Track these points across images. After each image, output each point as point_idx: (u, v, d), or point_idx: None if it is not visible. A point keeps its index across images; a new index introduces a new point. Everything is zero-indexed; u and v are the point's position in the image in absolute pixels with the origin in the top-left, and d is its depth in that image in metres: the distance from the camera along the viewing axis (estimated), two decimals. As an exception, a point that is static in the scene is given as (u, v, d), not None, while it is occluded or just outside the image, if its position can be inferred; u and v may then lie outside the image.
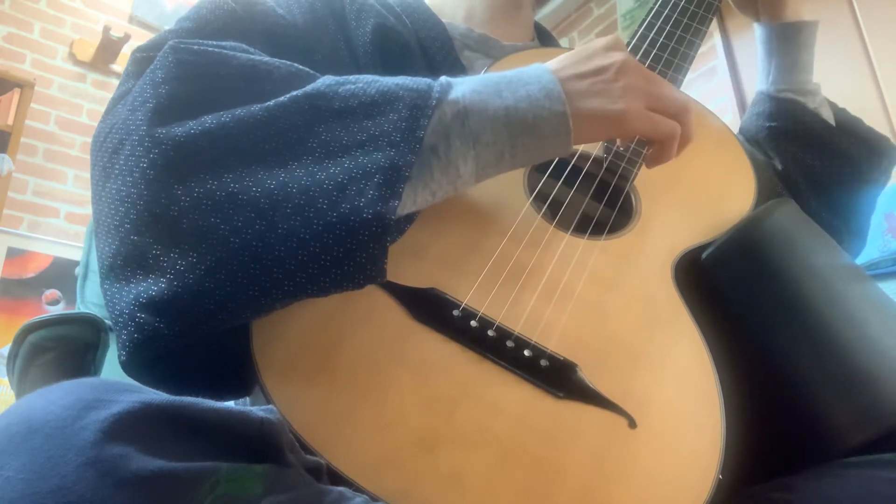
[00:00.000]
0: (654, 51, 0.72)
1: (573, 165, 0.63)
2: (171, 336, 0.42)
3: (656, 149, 0.56)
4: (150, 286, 0.43)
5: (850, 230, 0.79)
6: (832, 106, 0.83)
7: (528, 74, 0.52)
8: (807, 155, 0.78)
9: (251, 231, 0.43)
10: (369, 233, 0.43)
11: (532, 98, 0.50)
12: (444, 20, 0.77)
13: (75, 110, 2.97)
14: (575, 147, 0.63)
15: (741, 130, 0.86)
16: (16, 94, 2.71)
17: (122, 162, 0.47)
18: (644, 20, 0.75)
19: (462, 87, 0.51)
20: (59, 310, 2.67)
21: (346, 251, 0.43)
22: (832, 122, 0.80)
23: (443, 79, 0.52)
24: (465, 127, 0.49)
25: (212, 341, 0.45)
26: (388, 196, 0.44)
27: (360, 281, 0.45)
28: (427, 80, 0.51)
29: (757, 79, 0.84)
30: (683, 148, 0.56)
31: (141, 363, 0.44)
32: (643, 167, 0.64)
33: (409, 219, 0.53)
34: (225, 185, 0.45)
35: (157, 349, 0.42)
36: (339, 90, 0.50)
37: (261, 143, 0.47)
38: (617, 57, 0.53)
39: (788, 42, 0.80)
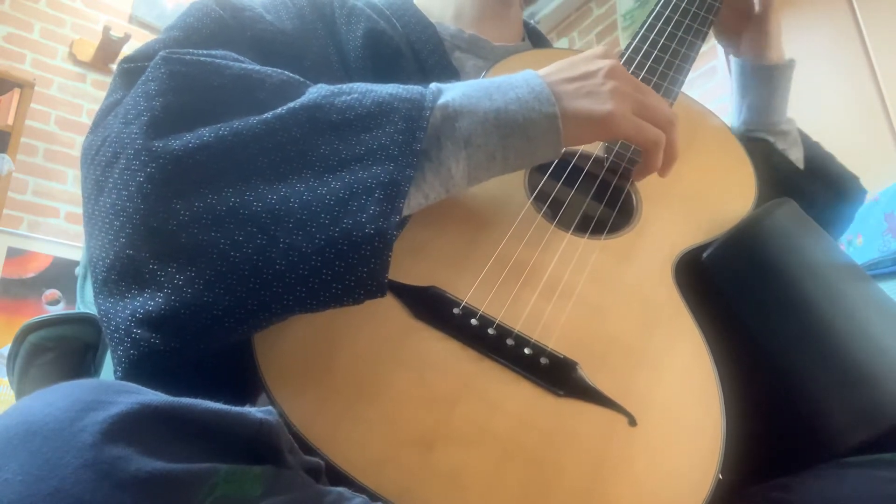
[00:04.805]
0: (656, 51, 0.72)
1: (574, 165, 0.63)
2: (167, 352, 0.42)
3: (642, 158, 0.56)
4: (147, 301, 0.42)
5: None
6: (805, 140, 0.82)
7: (517, 79, 0.53)
8: (772, 195, 0.76)
9: (252, 245, 0.43)
10: (371, 248, 0.44)
11: (522, 100, 0.51)
12: (432, 20, 0.76)
13: (75, 110, 2.97)
14: (574, 148, 0.63)
15: None
16: (16, 94, 2.71)
17: (116, 175, 0.47)
18: (645, 22, 0.75)
19: (452, 92, 0.51)
20: (59, 310, 2.67)
21: (347, 266, 0.43)
22: (801, 164, 0.79)
23: (433, 86, 0.52)
24: (455, 129, 0.50)
25: (208, 359, 0.44)
26: (388, 211, 0.45)
27: (360, 296, 0.45)
28: (419, 89, 0.51)
29: (730, 114, 0.83)
30: (670, 165, 0.57)
31: (137, 380, 0.43)
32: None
33: (402, 223, 0.53)
34: (225, 200, 0.45)
35: (153, 366, 0.42)
36: (336, 102, 0.49)
37: (260, 156, 0.47)
38: (605, 63, 0.54)
39: (765, 84, 0.78)
